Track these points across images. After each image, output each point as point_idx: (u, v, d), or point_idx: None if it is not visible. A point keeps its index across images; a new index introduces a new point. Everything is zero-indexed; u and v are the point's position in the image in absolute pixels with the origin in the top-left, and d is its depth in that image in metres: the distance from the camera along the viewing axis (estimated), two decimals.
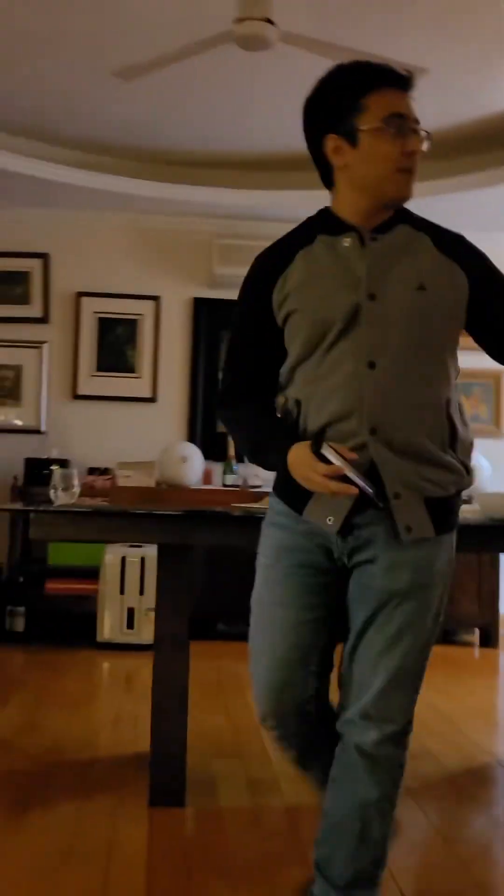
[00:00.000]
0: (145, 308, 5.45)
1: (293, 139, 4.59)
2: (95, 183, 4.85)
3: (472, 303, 1.66)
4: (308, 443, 1.57)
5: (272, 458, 1.70)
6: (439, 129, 4.24)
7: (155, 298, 5.46)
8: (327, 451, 1.52)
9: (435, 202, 4.78)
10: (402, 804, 2.50)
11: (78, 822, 2.29)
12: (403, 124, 1.61)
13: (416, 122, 1.63)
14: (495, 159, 4.51)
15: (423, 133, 1.63)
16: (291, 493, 1.67)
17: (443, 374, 1.65)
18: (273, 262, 1.75)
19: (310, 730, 1.74)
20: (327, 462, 1.52)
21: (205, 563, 4.86)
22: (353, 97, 1.62)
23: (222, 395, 1.81)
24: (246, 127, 4.43)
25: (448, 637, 4.91)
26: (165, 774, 2.40)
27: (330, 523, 1.62)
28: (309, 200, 4.88)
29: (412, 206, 1.71)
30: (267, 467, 1.74)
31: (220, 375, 1.76)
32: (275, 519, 1.75)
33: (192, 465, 4.95)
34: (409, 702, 1.65)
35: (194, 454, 4.99)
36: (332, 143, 1.67)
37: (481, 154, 4.54)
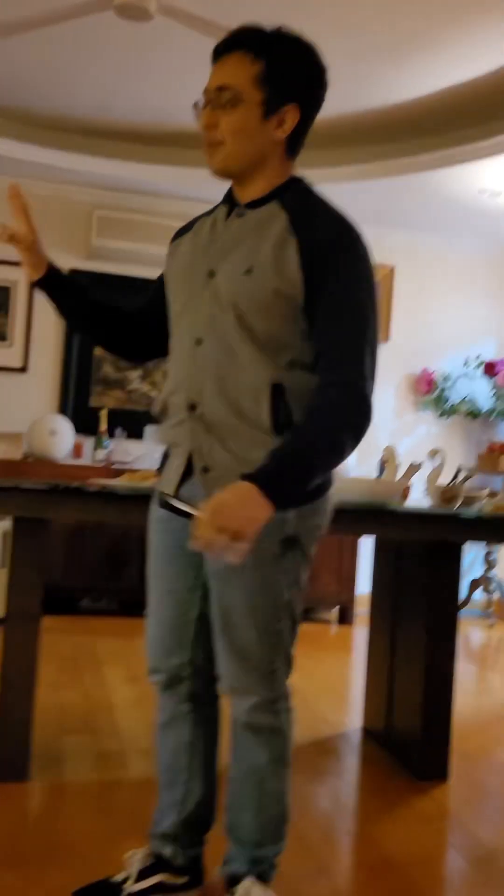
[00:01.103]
0: (19, 275, 5.29)
1: (179, 113, 4.55)
2: None
3: (306, 300, 1.56)
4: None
5: None
6: (340, 117, 4.31)
7: None
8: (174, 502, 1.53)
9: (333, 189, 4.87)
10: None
11: None
12: (204, 99, 1.61)
13: (217, 90, 1.57)
14: (395, 150, 4.57)
15: (223, 100, 1.57)
16: (159, 465, 1.77)
17: (270, 359, 1.58)
18: (181, 229, 1.81)
19: (180, 698, 1.80)
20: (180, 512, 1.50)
21: (68, 539, 4.81)
22: None
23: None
24: (132, 98, 4.36)
25: (308, 615, 5.05)
26: (9, 749, 2.38)
27: (168, 492, 1.68)
28: (190, 178, 4.91)
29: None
30: None
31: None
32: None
33: (62, 439, 4.88)
34: (264, 678, 1.66)
35: (64, 427, 4.92)
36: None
37: (381, 144, 4.60)
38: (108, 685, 3.46)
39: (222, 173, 1.64)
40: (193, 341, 1.64)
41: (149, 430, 4.98)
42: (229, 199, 1.70)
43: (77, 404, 5.37)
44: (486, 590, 5.53)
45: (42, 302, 5.34)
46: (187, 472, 1.66)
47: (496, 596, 5.60)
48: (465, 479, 2.73)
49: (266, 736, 1.69)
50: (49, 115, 4.64)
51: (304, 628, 5.19)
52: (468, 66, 3.80)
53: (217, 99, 1.58)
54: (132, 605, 4.98)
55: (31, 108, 4.59)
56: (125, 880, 1.77)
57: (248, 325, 1.59)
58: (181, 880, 1.80)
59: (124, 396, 5.47)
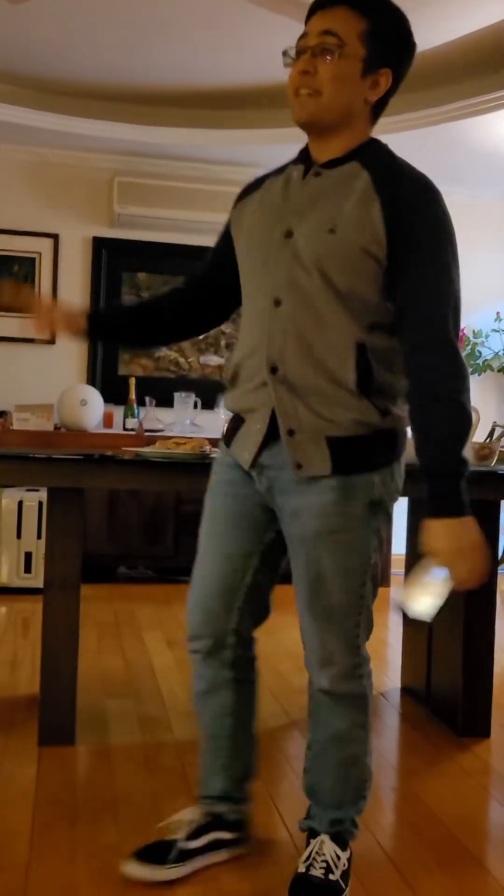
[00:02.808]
0: (43, 246, 5.28)
1: (199, 74, 4.49)
2: None
3: (389, 257, 1.56)
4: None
5: None
6: None
7: (53, 237, 5.30)
8: None
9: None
10: (289, 737, 2.60)
11: None
12: (302, 45, 1.58)
13: (321, 34, 1.55)
14: (415, 101, 4.45)
15: (327, 48, 1.54)
16: (228, 430, 1.76)
17: (354, 319, 1.58)
18: (247, 187, 1.79)
19: (222, 666, 1.82)
20: None
21: (105, 507, 4.85)
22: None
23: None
24: (151, 61, 4.29)
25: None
26: (55, 714, 2.42)
27: (245, 458, 1.69)
28: (213, 139, 4.84)
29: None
30: None
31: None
32: (216, 457, 1.84)
33: (92, 409, 4.89)
34: (348, 643, 1.68)
35: (94, 397, 4.93)
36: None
37: (402, 95, 4.49)
38: (148, 650, 3.50)
39: (311, 123, 1.61)
40: (271, 302, 1.61)
41: (178, 397, 4.97)
42: (304, 159, 1.67)
43: (105, 374, 5.38)
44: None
45: (67, 272, 5.34)
46: (268, 437, 1.65)
47: None
48: (501, 435, 2.70)
49: (349, 702, 1.72)
50: (65, 81, 4.58)
51: None
52: (488, 12, 3.69)
53: (320, 43, 1.55)
54: (168, 571, 5.03)
55: (47, 75, 4.54)
56: (181, 839, 1.80)
57: (333, 285, 1.57)
58: (233, 836, 1.86)
59: (152, 364, 5.47)
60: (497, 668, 2.76)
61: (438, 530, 1.54)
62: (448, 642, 2.75)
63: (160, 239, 5.35)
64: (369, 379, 1.59)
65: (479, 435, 2.68)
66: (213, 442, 2.86)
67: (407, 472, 1.75)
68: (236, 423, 1.75)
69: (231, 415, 1.78)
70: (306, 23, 1.61)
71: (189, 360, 5.51)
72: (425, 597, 1.56)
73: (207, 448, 2.53)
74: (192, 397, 5.00)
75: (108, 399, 5.15)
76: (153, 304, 1.97)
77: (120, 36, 4.04)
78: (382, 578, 5.13)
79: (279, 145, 4.92)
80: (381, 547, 1.71)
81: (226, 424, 1.81)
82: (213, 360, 5.53)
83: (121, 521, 4.88)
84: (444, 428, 1.55)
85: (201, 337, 5.48)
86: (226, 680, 1.82)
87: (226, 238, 1.81)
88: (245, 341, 1.69)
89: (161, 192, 5.19)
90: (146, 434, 4.58)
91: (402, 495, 1.77)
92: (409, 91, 4.41)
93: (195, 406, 5.00)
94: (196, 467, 2.40)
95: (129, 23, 3.91)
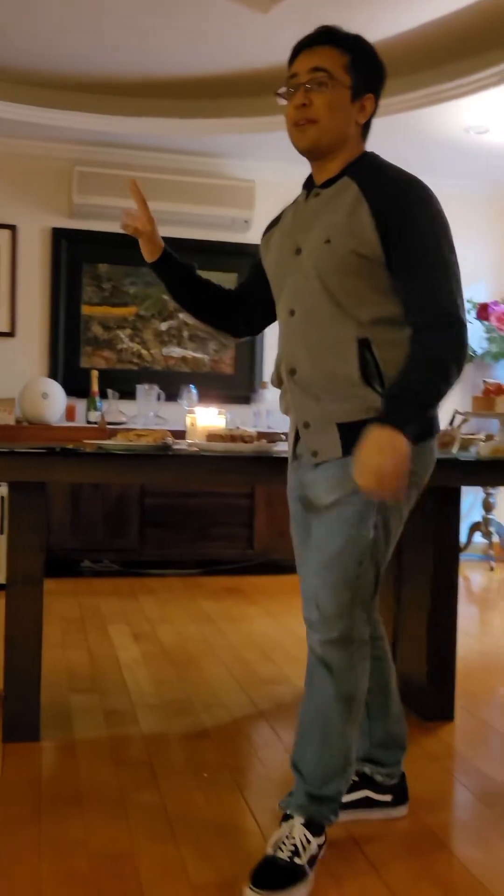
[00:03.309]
0: (1, 237, 5.21)
1: (159, 63, 4.45)
2: None
3: (386, 252, 1.71)
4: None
5: None
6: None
7: (11, 228, 5.22)
8: None
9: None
10: (256, 727, 2.61)
11: None
12: (294, 83, 1.79)
13: (311, 71, 1.75)
14: None
15: (318, 81, 1.74)
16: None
17: (354, 316, 1.73)
18: (273, 221, 2.00)
19: None
20: None
21: (69, 501, 4.81)
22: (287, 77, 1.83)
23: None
24: (110, 50, 4.24)
25: None
26: (19, 710, 2.40)
27: (288, 452, 1.94)
28: (173, 129, 4.80)
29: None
30: None
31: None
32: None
33: (54, 402, 4.85)
34: (345, 611, 1.75)
35: (56, 390, 4.89)
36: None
37: None
38: (113, 644, 3.49)
39: (313, 149, 1.80)
40: (288, 313, 1.84)
41: (141, 389, 4.94)
42: (308, 185, 1.89)
43: (67, 366, 5.33)
44: (486, 533, 5.56)
45: (26, 264, 5.27)
46: (298, 431, 1.86)
47: (496, 539, 5.64)
48: (462, 423, 2.72)
49: (336, 672, 1.77)
50: (23, 70, 4.51)
51: None
52: (447, 1, 3.70)
53: (311, 79, 1.76)
54: (133, 564, 5.01)
55: (4, 64, 4.46)
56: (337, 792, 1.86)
57: (327, 288, 1.75)
58: (386, 798, 2.01)
59: (114, 357, 5.43)
60: (460, 653, 2.79)
61: (370, 435, 1.63)
62: (412, 628, 2.78)
63: (120, 229, 5.29)
64: (372, 370, 1.73)
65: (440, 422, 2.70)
66: (176, 434, 2.85)
67: None
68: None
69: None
70: (291, 63, 1.82)
71: (152, 351, 5.48)
72: None
73: (169, 440, 2.52)
74: (156, 389, 4.97)
75: (70, 392, 5.10)
76: (208, 284, 2.12)
77: (79, 25, 3.99)
78: None
79: (240, 135, 4.91)
80: (387, 528, 1.77)
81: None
82: (176, 351, 5.51)
83: (84, 515, 4.85)
84: (421, 368, 1.67)
85: (164, 328, 5.46)
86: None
87: (257, 266, 2.03)
88: (278, 352, 1.91)
89: (121, 182, 5.12)
90: (109, 427, 4.55)
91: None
92: None
93: (158, 398, 4.98)
94: (158, 459, 2.39)
95: (88, 11, 3.86)
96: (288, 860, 1.71)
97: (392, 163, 1.82)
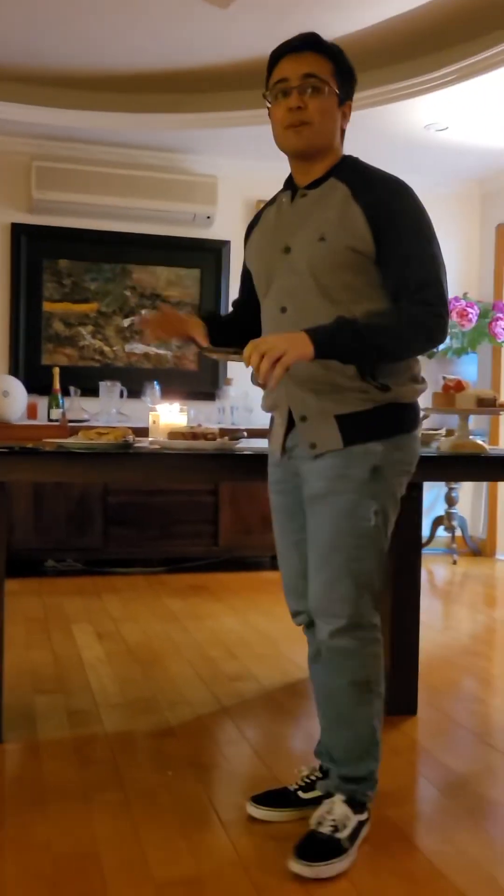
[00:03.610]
0: None
1: (116, 57, 4.41)
2: None
3: (377, 250, 1.79)
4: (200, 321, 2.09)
5: None
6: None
7: None
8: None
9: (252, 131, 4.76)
10: (221, 725, 2.60)
11: None
12: (285, 86, 1.84)
13: (305, 76, 1.82)
14: None
15: (311, 86, 1.82)
16: (269, 431, 2.02)
17: (350, 311, 1.79)
18: (252, 222, 2.06)
19: None
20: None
21: (31, 500, 4.76)
22: (267, 81, 1.90)
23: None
24: (66, 43, 4.19)
25: (276, 562, 5.08)
26: None
27: (275, 449, 1.96)
28: (132, 123, 4.77)
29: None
30: None
31: None
32: (270, 458, 2.04)
33: (15, 400, 4.80)
34: (350, 598, 1.82)
35: (16, 388, 4.83)
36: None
37: None
38: (77, 644, 3.46)
39: (306, 150, 1.87)
40: (278, 310, 1.89)
41: (103, 386, 4.91)
42: (290, 186, 1.95)
43: (28, 364, 5.27)
44: (449, 527, 5.61)
45: None
46: (289, 426, 1.91)
47: (458, 533, 5.70)
48: (423, 418, 2.74)
49: (344, 659, 1.85)
50: None
51: (272, 574, 5.26)
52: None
53: (304, 84, 1.83)
54: (97, 563, 4.98)
55: None
56: (298, 789, 2.01)
57: (323, 284, 1.81)
58: None
59: (76, 353, 5.38)
60: (423, 647, 2.81)
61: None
62: None
63: (81, 225, 5.25)
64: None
65: None
66: (140, 431, 2.83)
67: None
68: (270, 421, 2.01)
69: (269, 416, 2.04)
70: (273, 66, 1.88)
71: (114, 348, 5.44)
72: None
73: (131, 437, 2.50)
74: (118, 386, 4.94)
75: (31, 390, 5.05)
76: (233, 321, 2.18)
77: (35, 17, 3.94)
78: None
79: (201, 130, 4.89)
80: (385, 515, 1.85)
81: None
82: (139, 348, 5.48)
83: (47, 514, 4.80)
84: (385, 317, 1.79)
85: (126, 324, 5.43)
86: None
87: (247, 272, 2.09)
88: None
89: (80, 176, 5.09)
90: (71, 424, 4.51)
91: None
92: None
93: (121, 395, 4.95)
94: (119, 458, 2.38)
95: (44, 4, 3.82)
96: (329, 834, 1.80)
97: (370, 164, 1.91)
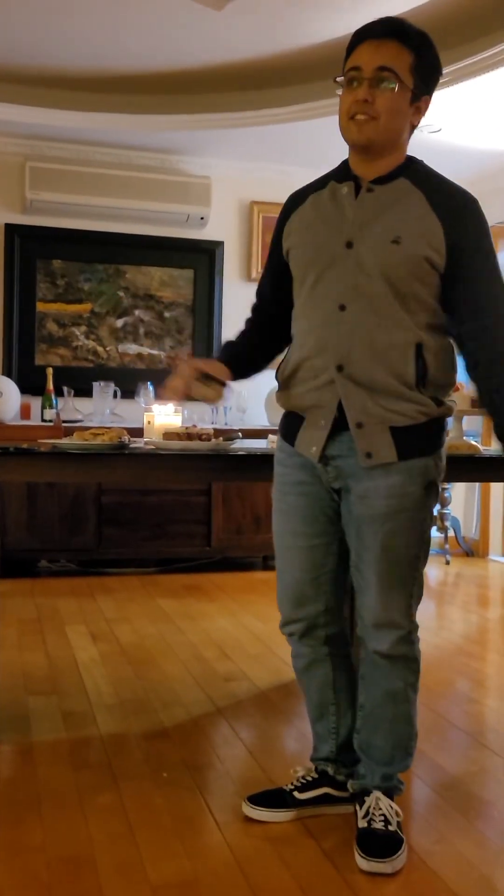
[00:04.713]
0: None
1: (111, 58, 4.41)
2: None
3: (448, 265, 1.79)
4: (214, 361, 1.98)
5: None
6: (278, 56, 4.21)
7: None
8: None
9: (272, 130, 4.76)
10: (215, 725, 2.60)
11: None
12: (357, 75, 1.76)
13: (379, 69, 1.74)
14: (328, 88, 4.48)
15: (384, 80, 1.74)
16: (286, 428, 1.95)
17: (413, 320, 1.79)
18: (292, 201, 1.95)
19: (318, 643, 1.99)
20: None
21: (24, 500, 4.75)
22: (345, 61, 1.81)
23: (251, 310, 2.11)
24: (62, 43, 4.18)
25: (267, 562, 5.10)
26: None
27: (313, 452, 1.86)
28: (126, 124, 4.76)
29: None
30: None
31: None
32: (277, 456, 1.99)
33: (8, 400, 4.79)
34: (408, 608, 1.89)
35: (10, 388, 4.83)
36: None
37: (314, 83, 4.49)
38: (71, 645, 3.46)
39: (367, 145, 1.80)
40: (336, 307, 1.80)
41: (97, 387, 4.90)
42: (348, 176, 1.85)
43: (22, 364, 5.26)
44: (441, 528, 5.63)
45: None
46: (333, 430, 1.83)
47: (451, 533, 5.71)
48: None
49: (403, 664, 1.90)
50: None
51: (265, 575, 5.26)
52: (400, 1, 3.73)
53: (376, 77, 1.75)
54: (91, 563, 4.97)
55: None
56: (294, 790, 2.01)
57: (397, 290, 1.77)
58: (341, 794, 2.02)
59: (70, 354, 5.37)
60: None
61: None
62: None
63: (75, 225, 5.24)
64: (425, 374, 1.81)
65: None
66: (134, 432, 2.83)
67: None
68: (294, 420, 1.91)
69: (284, 413, 1.97)
70: (351, 48, 1.80)
71: (108, 348, 5.43)
72: None
73: (126, 438, 2.50)
74: (112, 387, 4.93)
75: (24, 390, 5.04)
76: (252, 342, 2.08)
77: (30, 17, 3.93)
78: None
79: (195, 131, 4.89)
80: (433, 521, 1.92)
81: (281, 422, 1.98)
82: (132, 348, 5.47)
83: (41, 514, 4.79)
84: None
85: (119, 325, 5.42)
86: (323, 655, 2.00)
87: (278, 255, 1.96)
88: (306, 343, 1.86)
89: (74, 177, 5.08)
90: (65, 425, 4.50)
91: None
92: (318, 79, 4.43)
93: (115, 395, 4.94)
94: (114, 458, 2.38)
95: (40, 4, 3.81)
96: (385, 829, 1.85)
97: (439, 173, 1.88)
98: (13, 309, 5.23)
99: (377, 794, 1.91)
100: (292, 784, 2.04)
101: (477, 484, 5.88)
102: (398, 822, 1.88)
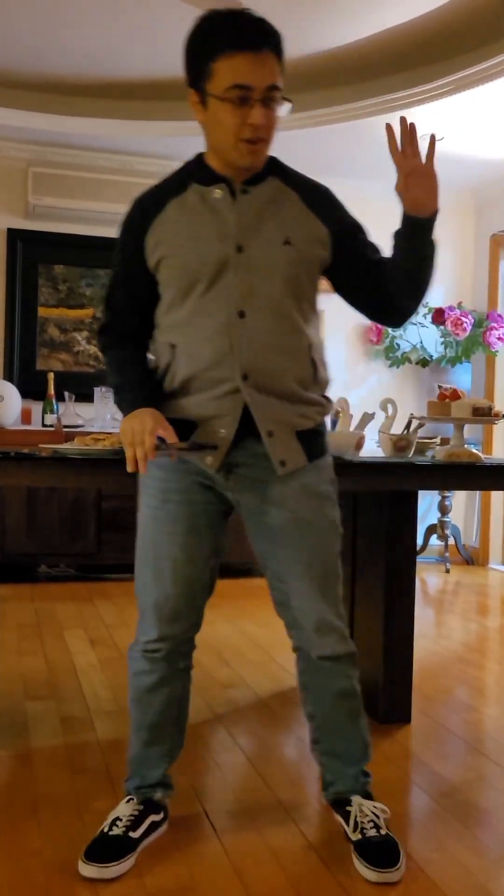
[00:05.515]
0: None
1: (113, 64, 4.42)
2: None
3: (335, 256, 1.80)
4: (151, 410, 1.74)
5: (124, 407, 1.81)
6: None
7: None
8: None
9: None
10: (213, 732, 2.60)
11: None
12: (247, 95, 1.64)
13: (269, 89, 1.65)
14: (331, 97, 4.48)
15: (276, 101, 1.67)
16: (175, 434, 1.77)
17: (305, 321, 1.79)
18: (147, 208, 1.80)
19: (178, 659, 1.90)
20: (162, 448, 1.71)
21: (24, 505, 4.75)
22: (204, 60, 1.66)
23: (99, 333, 1.96)
24: (65, 49, 4.20)
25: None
26: None
27: (209, 462, 1.78)
28: (129, 130, 4.78)
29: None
30: (122, 412, 1.83)
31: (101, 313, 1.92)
32: (158, 460, 1.78)
33: (9, 405, 4.78)
34: (338, 608, 1.88)
35: (11, 393, 4.81)
36: (191, 97, 1.75)
37: (317, 91, 4.51)
38: (70, 650, 3.45)
39: (258, 167, 1.76)
40: (235, 314, 1.72)
41: (98, 392, 4.90)
42: (213, 177, 1.76)
43: (23, 369, 5.27)
44: (442, 536, 5.62)
45: None
46: (236, 439, 1.76)
47: (451, 541, 5.70)
48: (418, 427, 2.75)
49: (347, 660, 1.89)
50: None
51: (263, 581, 5.23)
52: (404, 9, 3.74)
53: (267, 98, 1.66)
54: (90, 568, 4.97)
55: None
56: (127, 830, 1.82)
57: (293, 291, 1.76)
58: (162, 816, 1.93)
59: (71, 359, 5.38)
60: (416, 655, 2.82)
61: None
62: (369, 629, 2.80)
63: (77, 231, 5.26)
64: (316, 374, 1.82)
65: (396, 427, 2.73)
66: None
67: None
68: (182, 427, 1.76)
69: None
70: (223, 53, 1.63)
71: None
72: None
73: None
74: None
75: (25, 395, 5.03)
76: (146, 369, 1.88)
77: (33, 23, 3.95)
78: None
79: (194, 137, 4.89)
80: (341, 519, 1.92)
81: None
82: None
83: (40, 519, 4.79)
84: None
85: None
86: (178, 671, 1.92)
87: (139, 267, 1.81)
88: (200, 355, 1.74)
89: (77, 183, 5.10)
90: (65, 430, 4.50)
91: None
92: (322, 88, 4.45)
93: None
94: (116, 463, 2.37)
95: (41, 10, 3.83)
96: (379, 835, 1.83)
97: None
98: (15, 313, 5.24)
99: (357, 800, 1.89)
100: (122, 826, 1.82)
101: (477, 492, 5.87)
102: (385, 820, 1.88)
